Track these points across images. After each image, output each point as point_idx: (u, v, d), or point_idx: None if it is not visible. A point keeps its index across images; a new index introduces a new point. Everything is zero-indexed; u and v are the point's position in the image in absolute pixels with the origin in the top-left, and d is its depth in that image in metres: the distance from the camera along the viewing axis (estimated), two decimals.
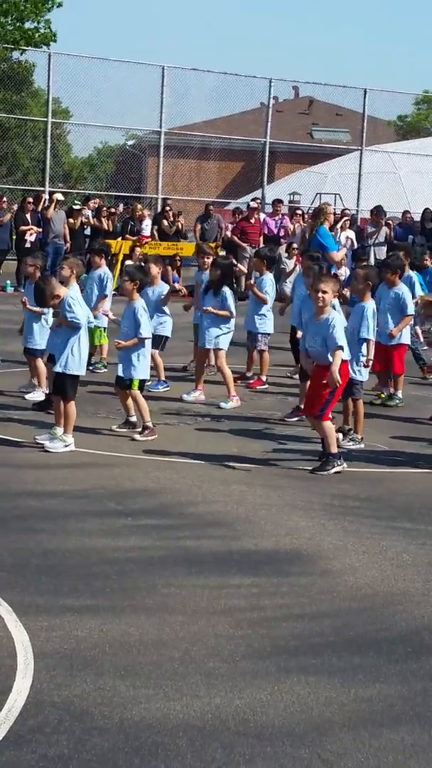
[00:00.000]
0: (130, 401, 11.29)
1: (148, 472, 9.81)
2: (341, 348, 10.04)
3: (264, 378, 14.75)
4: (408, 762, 4.82)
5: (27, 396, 12.83)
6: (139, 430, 11.18)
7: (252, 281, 15.03)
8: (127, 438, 11.02)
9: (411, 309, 13.70)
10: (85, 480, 9.47)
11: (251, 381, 14.76)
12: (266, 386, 14.62)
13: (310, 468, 10.16)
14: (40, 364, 12.81)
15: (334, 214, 26.81)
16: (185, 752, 4.81)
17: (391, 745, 4.96)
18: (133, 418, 11.38)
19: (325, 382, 10.02)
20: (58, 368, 10.56)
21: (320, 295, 10.17)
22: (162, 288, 14.01)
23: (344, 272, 19.47)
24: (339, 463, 10.16)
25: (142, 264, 13.72)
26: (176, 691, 5.42)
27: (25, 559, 7.29)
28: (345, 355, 10.22)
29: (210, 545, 7.84)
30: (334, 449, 10.18)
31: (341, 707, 5.33)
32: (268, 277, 14.84)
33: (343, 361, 10.18)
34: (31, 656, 5.73)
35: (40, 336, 12.71)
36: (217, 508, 8.80)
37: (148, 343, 11.32)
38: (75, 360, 10.54)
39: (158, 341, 13.95)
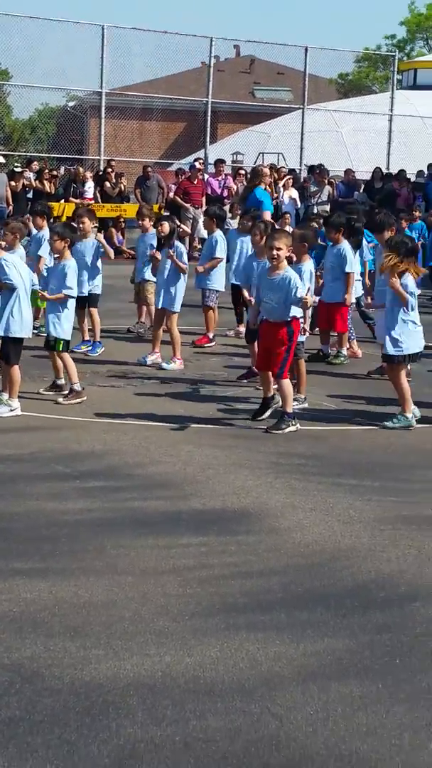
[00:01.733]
0: (59, 363, 11.29)
1: (95, 435, 9.81)
2: (306, 298, 10.23)
3: (211, 335, 14.75)
4: (356, 714, 4.89)
5: None
6: (65, 393, 11.18)
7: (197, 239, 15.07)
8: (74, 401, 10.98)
9: (350, 267, 13.69)
10: (32, 443, 9.45)
11: (197, 339, 14.71)
12: (213, 344, 14.62)
13: (264, 427, 10.23)
14: None
15: (277, 172, 26.89)
16: (136, 710, 4.85)
17: (339, 698, 5.03)
18: (61, 381, 11.37)
19: (280, 338, 10.15)
20: None
21: (274, 252, 10.18)
22: (94, 242, 13.90)
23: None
24: (294, 422, 10.23)
25: (72, 222, 13.61)
26: (126, 650, 5.46)
27: None
28: (297, 312, 10.31)
29: (158, 506, 7.87)
30: (290, 408, 10.25)
31: (290, 662, 5.40)
32: (219, 234, 14.82)
33: (296, 319, 10.27)
34: None
35: None
36: (164, 469, 8.82)
37: (72, 304, 11.30)
38: (16, 323, 10.47)
39: (95, 300, 13.89)
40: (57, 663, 5.29)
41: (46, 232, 14.43)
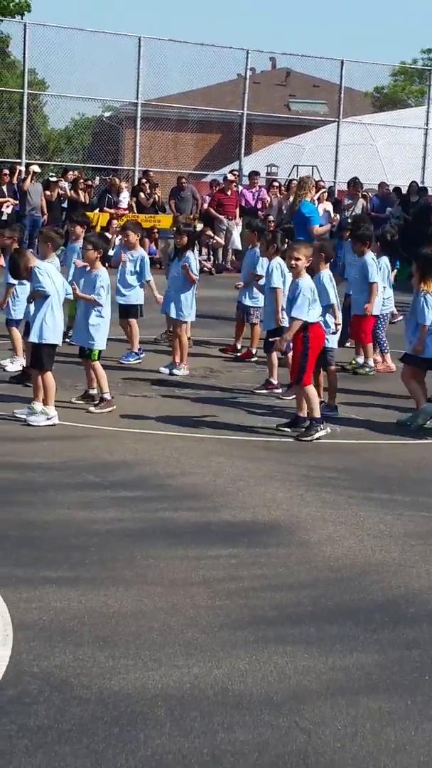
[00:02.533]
0: (92, 372, 11.31)
1: (126, 445, 9.82)
2: (296, 319, 10.30)
3: (254, 350, 14.71)
4: (385, 729, 4.87)
5: (7, 367, 12.82)
6: (96, 402, 11.19)
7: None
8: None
9: (372, 277, 13.69)
10: (63, 452, 9.48)
11: (241, 353, 14.72)
12: (255, 358, 14.63)
13: (295, 435, 10.29)
14: (15, 333, 12.82)
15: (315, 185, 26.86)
16: (164, 721, 4.85)
17: (368, 713, 5.01)
18: (93, 391, 11.36)
19: (297, 344, 10.33)
20: (32, 338, 10.53)
21: (292, 261, 10.44)
22: (141, 253, 14.03)
23: None
24: (322, 427, 10.30)
25: (106, 234, 13.69)
26: (155, 661, 5.45)
27: (4, 531, 7.30)
28: (311, 318, 10.35)
29: (188, 517, 7.87)
30: (317, 413, 10.33)
31: (319, 676, 5.38)
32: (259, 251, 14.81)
33: (313, 325, 10.37)
34: (11, 627, 5.75)
35: (14, 306, 12.73)
36: (195, 480, 8.82)
37: (107, 313, 11.30)
38: (49, 329, 10.49)
39: (136, 311, 13.99)
40: (86, 672, 5.29)
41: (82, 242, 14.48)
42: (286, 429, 10.53)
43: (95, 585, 6.43)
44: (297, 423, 10.56)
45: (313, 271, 11.12)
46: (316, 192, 26.04)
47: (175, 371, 13.15)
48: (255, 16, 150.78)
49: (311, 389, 10.36)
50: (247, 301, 14.66)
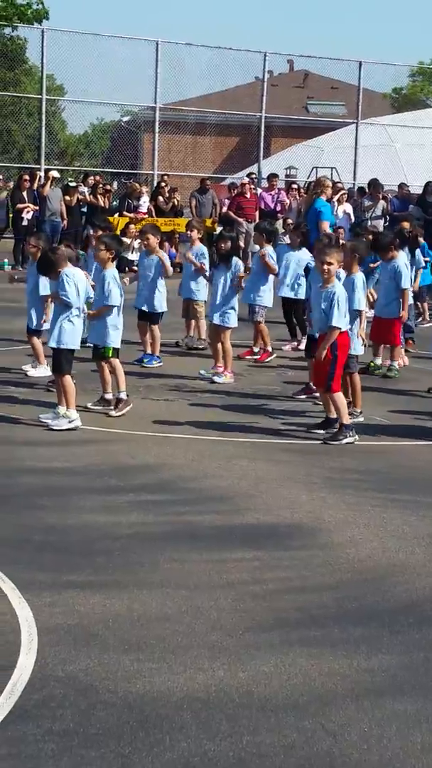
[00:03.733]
0: (107, 376, 11.29)
1: (148, 448, 9.83)
2: (336, 328, 10.14)
3: (269, 348, 14.75)
4: (411, 731, 4.86)
5: (29, 372, 12.85)
6: (113, 406, 11.15)
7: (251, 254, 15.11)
8: (127, 413, 11.01)
9: (405, 283, 13.70)
10: (85, 456, 9.49)
11: (258, 357, 14.73)
12: (273, 355, 14.63)
13: (322, 438, 10.28)
14: (36, 341, 12.82)
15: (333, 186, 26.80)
16: (190, 724, 4.85)
17: (394, 715, 5.00)
18: (109, 395, 11.31)
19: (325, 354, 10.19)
20: (51, 343, 10.55)
21: (325, 266, 10.28)
22: (159, 258, 14.01)
23: None
24: (351, 434, 10.27)
25: (119, 235, 13.66)
26: (180, 664, 5.45)
27: (28, 536, 7.32)
28: (343, 324, 10.27)
29: (211, 520, 7.87)
30: (347, 420, 10.30)
31: (344, 678, 5.37)
32: (269, 249, 14.84)
33: (342, 332, 10.27)
34: (35, 632, 5.76)
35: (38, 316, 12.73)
36: (218, 483, 8.82)
37: (118, 311, 11.24)
38: (67, 333, 10.48)
39: (157, 317, 13.98)
40: (111, 676, 5.30)
41: None
42: (318, 431, 10.50)
43: (119, 589, 6.44)
44: (329, 424, 10.52)
45: (345, 272, 11.05)
46: (335, 193, 26.07)
47: (216, 378, 13.04)
48: (272, 19, 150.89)
49: (340, 396, 10.30)
50: (253, 300, 14.65)
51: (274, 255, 14.88)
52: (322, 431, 10.50)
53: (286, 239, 22.37)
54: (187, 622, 5.98)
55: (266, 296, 14.79)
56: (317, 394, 12.11)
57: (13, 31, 35.25)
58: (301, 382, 12.55)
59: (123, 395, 11.13)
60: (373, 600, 6.43)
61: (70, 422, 10.37)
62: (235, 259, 13.39)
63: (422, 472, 9.47)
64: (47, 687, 5.15)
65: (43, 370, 12.69)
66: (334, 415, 10.45)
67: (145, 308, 13.86)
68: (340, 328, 10.16)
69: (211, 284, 13.95)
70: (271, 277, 14.84)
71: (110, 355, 11.20)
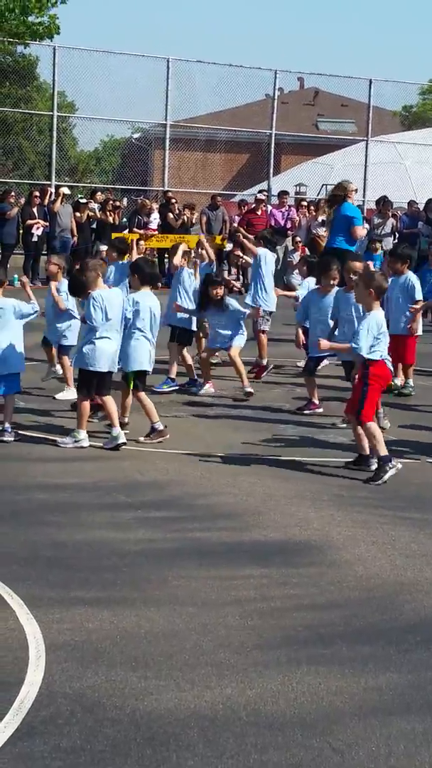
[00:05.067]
0: (128, 401, 11.00)
1: (156, 465, 9.84)
2: (352, 346, 9.75)
3: (264, 362, 14.63)
4: (419, 750, 4.84)
5: (57, 396, 12.73)
6: (147, 432, 10.81)
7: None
8: (134, 431, 10.95)
9: (419, 296, 13.67)
10: (94, 473, 9.50)
11: (256, 371, 14.62)
12: (270, 367, 14.56)
13: (364, 479, 9.60)
14: (66, 361, 12.73)
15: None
16: (197, 742, 4.84)
17: (401, 734, 4.99)
18: (126, 419, 10.99)
19: (358, 379, 9.91)
20: (75, 363, 10.53)
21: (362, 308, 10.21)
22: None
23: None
24: (391, 465, 9.55)
25: (148, 258, 13.55)
26: (187, 681, 5.45)
27: (36, 552, 7.33)
28: (373, 355, 9.72)
29: (219, 537, 7.87)
30: (383, 451, 9.57)
31: (351, 697, 5.36)
32: (262, 252, 14.84)
33: (380, 362, 9.76)
34: (43, 648, 5.76)
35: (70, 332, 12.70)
36: (226, 500, 8.82)
37: (141, 335, 10.86)
38: (88, 355, 10.34)
39: (185, 336, 13.78)
40: (118, 693, 5.29)
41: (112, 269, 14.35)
42: (354, 467, 9.94)
43: (127, 605, 6.44)
44: (364, 462, 9.95)
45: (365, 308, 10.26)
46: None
47: (194, 389, 13.21)
48: (283, 37, 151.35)
49: (372, 426, 9.61)
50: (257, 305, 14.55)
51: (268, 257, 14.86)
52: (357, 467, 9.92)
53: (296, 257, 22.35)
54: (195, 640, 5.98)
55: (270, 300, 14.73)
56: (320, 410, 12.15)
57: (25, 48, 35.44)
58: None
59: (158, 425, 10.78)
60: (381, 618, 6.42)
61: (75, 442, 10.35)
62: (228, 300, 13.27)
63: (430, 489, 9.45)
64: (55, 704, 5.15)
65: (70, 393, 12.45)
66: (366, 452, 9.97)
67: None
68: (354, 348, 9.68)
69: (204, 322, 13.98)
70: (271, 282, 14.79)
71: (130, 385, 10.91)
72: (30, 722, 4.96)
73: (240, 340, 13.26)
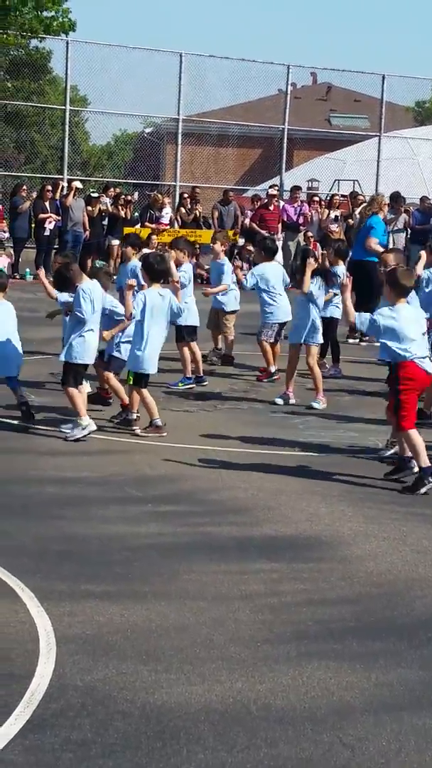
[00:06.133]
0: (135, 397, 10.91)
1: (167, 459, 9.84)
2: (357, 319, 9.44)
3: (273, 369, 14.40)
4: (430, 746, 4.84)
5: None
6: (146, 426, 10.81)
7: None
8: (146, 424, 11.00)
9: None
10: (105, 467, 9.51)
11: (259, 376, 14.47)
12: (276, 376, 14.29)
13: (400, 488, 9.24)
14: None
15: (354, 200, 26.76)
16: (207, 736, 4.84)
17: (412, 730, 4.98)
18: (134, 415, 10.99)
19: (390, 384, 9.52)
20: (62, 357, 10.55)
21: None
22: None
23: None
24: (430, 479, 9.07)
25: (160, 254, 13.38)
26: (198, 675, 5.45)
27: (47, 546, 7.34)
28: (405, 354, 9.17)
29: (230, 531, 7.87)
30: (424, 462, 9.06)
31: (362, 692, 5.36)
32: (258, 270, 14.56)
33: (409, 363, 9.15)
34: (54, 641, 5.77)
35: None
36: (236, 495, 8.82)
37: (147, 334, 10.78)
38: (77, 348, 10.45)
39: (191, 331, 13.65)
40: (129, 686, 5.30)
41: (136, 263, 14.24)
42: (393, 476, 9.48)
43: (138, 599, 6.44)
44: (404, 467, 9.51)
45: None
46: (357, 206, 26.00)
47: (314, 404, 12.51)
48: (296, 32, 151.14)
49: (412, 434, 9.07)
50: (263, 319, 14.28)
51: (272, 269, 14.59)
52: (397, 476, 9.50)
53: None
54: (205, 634, 5.98)
55: (277, 311, 14.47)
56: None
57: (39, 42, 35.43)
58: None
59: (158, 422, 10.75)
60: (392, 614, 6.42)
61: (83, 429, 10.36)
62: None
63: None
64: (65, 696, 5.16)
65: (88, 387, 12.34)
66: (407, 454, 9.46)
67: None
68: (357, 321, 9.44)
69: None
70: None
71: (131, 382, 10.86)
72: (41, 715, 4.97)
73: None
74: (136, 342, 10.80)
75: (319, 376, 12.57)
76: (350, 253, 16.13)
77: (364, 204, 18.28)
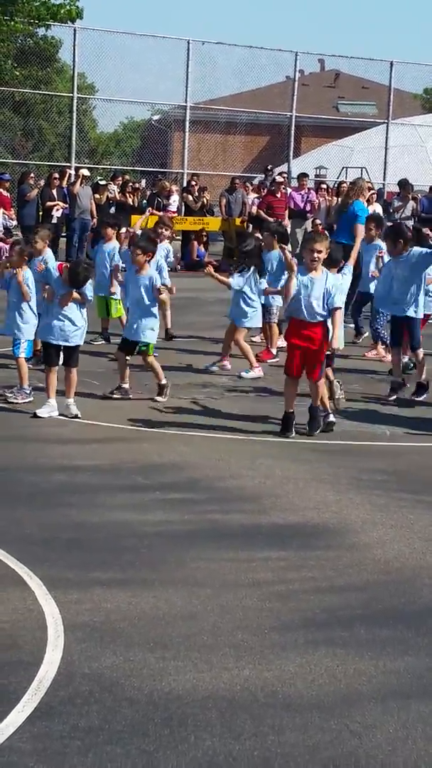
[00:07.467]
0: (127, 368, 11.72)
1: (175, 447, 9.84)
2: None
3: (274, 351, 14.53)
4: None
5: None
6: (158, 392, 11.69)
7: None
8: (154, 412, 11.04)
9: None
10: (113, 454, 9.51)
11: (260, 353, 14.52)
12: (277, 359, 14.37)
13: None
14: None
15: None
16: (215, 723, 4.85)
17: (419, 717, 4.99)
18: (126, 385, 11.69)
19: None
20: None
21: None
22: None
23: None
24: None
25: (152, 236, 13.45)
26: (205, 663, 5.46)
27: (55, 534, 7.34)
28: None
29: (238, 519, 7.87)
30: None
31: (370, 679, 5.36)
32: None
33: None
34: (62, 629, 5.78)
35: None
36: (244, 482, 8.82)
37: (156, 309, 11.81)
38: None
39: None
40: (136, 674, 5.31)
41: (114, 245, 14.50)
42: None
43: (145, 587, 6.45)
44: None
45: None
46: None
47: (246, 374, 13.32)
48: (304, 19, 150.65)
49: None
50: (267, 302, 14.34)
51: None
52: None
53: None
54: (213, 621, 5.99)
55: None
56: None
57: (46, 30, 35.37)
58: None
59: (164, 381, 11.66)
60: (400, 601, 6.42)
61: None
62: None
63: None
64: (73, 684, 5.17)
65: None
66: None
67: None
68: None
69: None
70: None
71: (151, 353, 11.72)
72: (48, 702, 4.98)
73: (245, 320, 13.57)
74: (154, 321, 11.79)
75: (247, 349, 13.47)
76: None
77: (347, 188, 18.29)
